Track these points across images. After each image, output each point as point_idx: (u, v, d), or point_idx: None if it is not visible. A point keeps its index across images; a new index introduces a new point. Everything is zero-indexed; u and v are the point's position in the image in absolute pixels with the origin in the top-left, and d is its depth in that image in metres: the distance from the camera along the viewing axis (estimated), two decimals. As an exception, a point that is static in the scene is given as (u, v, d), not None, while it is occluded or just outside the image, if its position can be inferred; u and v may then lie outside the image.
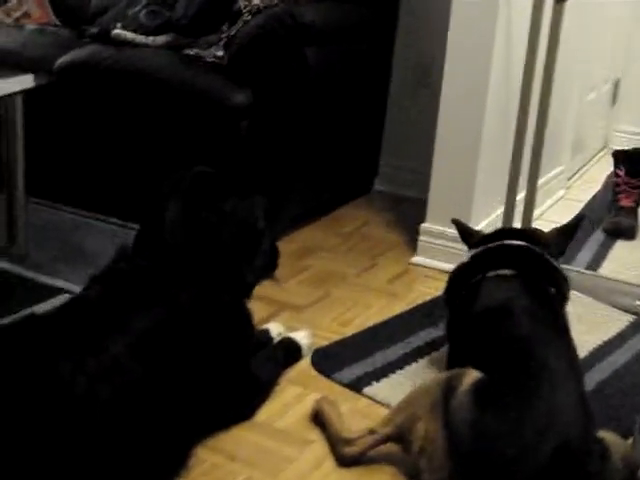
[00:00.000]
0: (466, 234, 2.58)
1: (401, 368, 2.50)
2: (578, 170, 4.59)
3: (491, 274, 2.36)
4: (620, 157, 3.93)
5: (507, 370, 2.04)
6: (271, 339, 2.53)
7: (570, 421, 1.91)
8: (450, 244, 3.18)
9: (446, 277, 3.09)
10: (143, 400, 1.88)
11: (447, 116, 3.17)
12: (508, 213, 3.23)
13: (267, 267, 2.34)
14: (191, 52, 3.37)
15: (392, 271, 3.19)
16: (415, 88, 3.94)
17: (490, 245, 2.45)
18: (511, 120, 3.21)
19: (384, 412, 2.26)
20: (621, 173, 3.86)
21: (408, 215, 3.69)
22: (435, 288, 3.04)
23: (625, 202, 3.80)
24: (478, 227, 3.22)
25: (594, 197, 4.24)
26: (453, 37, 3.13)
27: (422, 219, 3.30)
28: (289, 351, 2.49)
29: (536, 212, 3.35)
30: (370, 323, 2.77)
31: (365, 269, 3.19)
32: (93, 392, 1.79)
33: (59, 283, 2.83)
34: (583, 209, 4.03)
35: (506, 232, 2.56)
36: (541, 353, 2.07)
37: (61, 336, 1.88)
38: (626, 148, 4.03)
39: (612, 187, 3.95)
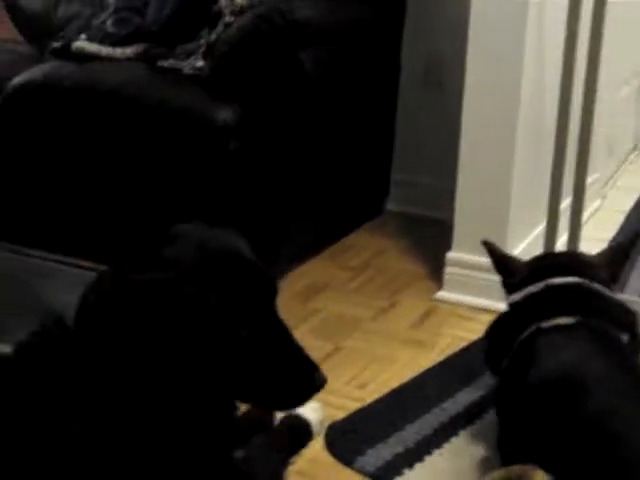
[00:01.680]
0: (502, 265, 2.02)
1: (439, 446, 1.94)
2: (612, 176, 4.04)
3: (545, 325, 1.82)
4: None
5: (589, 468, 1.50)
6: (271, 420, 1.98)
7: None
8: (483, 275, 2.63)
9: (480, 316, 2.58)
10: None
11: (471, 123, 2.62)
12: (551, 231, 2.68)
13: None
14: (166, 64, 2.81)
15: (415, 312, 2.63)
16: (426, 92, 3.40)
17: (534, 289, 1.91)
18: (547, 124, 2.68)
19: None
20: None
21: (428, 240, 3.14)
22: (468, 330, 2.49)
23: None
24: (516, 251, 2.67)
25: (636, 206, 3.70)
26: (474, 34, 2.59)
27: (446, 245, 2.75)
28: (295, 432, 1.91)
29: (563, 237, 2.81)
30: (394, 383, 2.20)
31: (382, 311, 2.63)
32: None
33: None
34: (626, 221, 3.49)
35: (548, 266, 1.98)
36: (632, 440, 1.53)
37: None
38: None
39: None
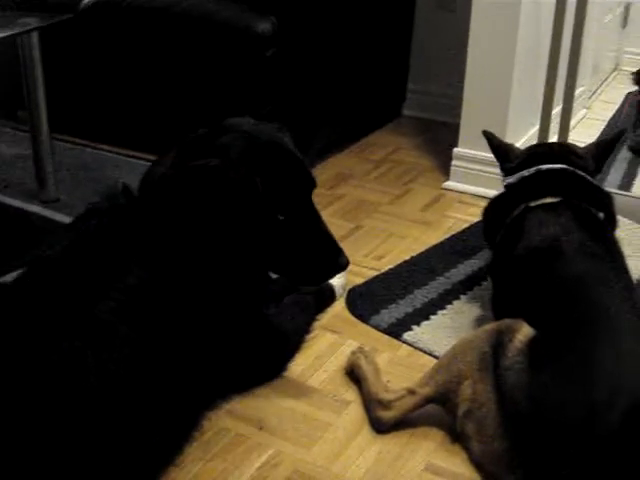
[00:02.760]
0: (500, 150, 1.92)
1: (442, 307, 1.89)
2: (595, 90, 3.88)
3: (533, 204, 1.73)
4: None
5: (564, 322, 1.43)
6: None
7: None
8: (484, 168, 2.54)
9: (480, 202, 2.49)
10: (140, 362, 1.29)
11: (478, 36, 2.47)
12: (543, 133, 2.57)
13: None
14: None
15: (425, 198, 2.54)
16: (439, 13, 3.23)
17: (526, 173, 1.81)
18: (542, 42, 2.54)
19: (426, 362, 1.67)
20: (646, 92, 3.16)
21: (439, 139, 3.04)
22: (470, 214, 2.41)
23: (651, 120, 3.11)
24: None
25: (614, 116, 3.52)
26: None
27: (453, 143, 2.64)
28: (321, 293, 1.87)
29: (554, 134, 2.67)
30: (406, 256, 2.14)
31: (397, 197, 2.55)
32: (86, 358, 1.22)
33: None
34: (606, 128, 3.35)
35: (541, 154, 1.85)
36: (601, 298, 1.46)
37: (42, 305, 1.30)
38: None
39: (636, 106, 3.24)
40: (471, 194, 2.55)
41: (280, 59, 2.49)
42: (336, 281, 1.91)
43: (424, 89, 3.30)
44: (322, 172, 2.68)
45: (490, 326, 1.50)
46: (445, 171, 2.69)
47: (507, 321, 1.48)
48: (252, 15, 2.47)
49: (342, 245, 2.18)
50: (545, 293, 1.53)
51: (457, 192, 2.58)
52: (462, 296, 1.94)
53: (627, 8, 4.31)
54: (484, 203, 2.47)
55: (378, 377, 1.58)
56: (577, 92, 3.29)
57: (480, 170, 2.54)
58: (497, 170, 2.47)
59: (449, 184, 2.62)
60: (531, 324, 1.44)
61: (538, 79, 2.59)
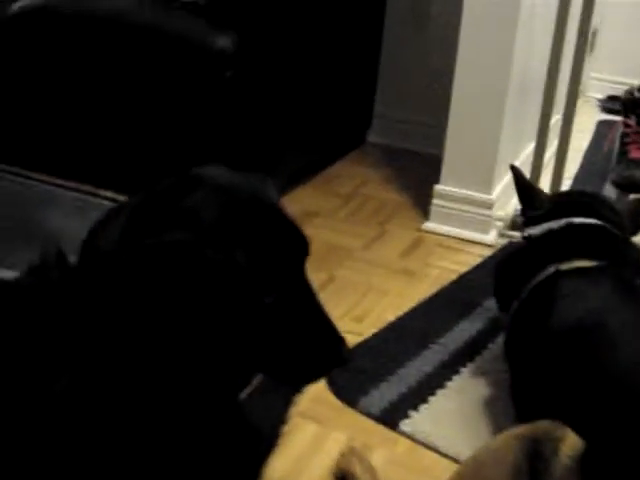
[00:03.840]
0: (525, 193, 1.62)
1: (441, 385, 1.56)
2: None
3: (565, 268, 1.43)
4: (630, 106, 2.98)
5: (622, 435, 1.14)
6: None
7: None
8: (471, 209, 2.24)
9: (467, 247, 2.21)
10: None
11: (466, 58, 2.18)
12: (538, 159, 2.30)
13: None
14: (163, -10, 2.34)
15: (403, 242, 2.22)
16: (410, 29, 2.93)
17: (554, 225, 1.52)
18: (536, 59, 2.28)
19: (431, 461, 1.36)
20: (631, 123, 2.91)
21: (409, 170, 2.74)
22: (457, 262, 2.11)
23: (636, 154, 2.84)
24: (501, 184, 2.29)
25: (590, 147, 3.28)
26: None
27: (425, 175, 2.35)
28: (298, 370, 1.55)
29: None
30: (390, 316, 1.81)
31: (372, 240, 2.23)
32: None
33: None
34: (583, 160, 3.11)
35: (571, 204, 1.57)
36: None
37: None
38: (637, 96, 3.07)
39: (619, 138, 3.00)
40: (455, 238, 2.25)
41: (239, 81, 2.16)
42: (314, 352, 1.58)
43: (392, 114, 3.00)
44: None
45: (520, 430, 1.18)
46: (422, 209, 2.38)
47: (544, 425, 1.16)
48: (210, 29, 2.13)
49: (315, 302, 1.89)
50: (587, 385, 1.22)
51: (439, 235, 2.27)
52: (462, 369, 1.63)
53: (594, 34, 4.13)
54: (472, 248, 2.21)
55: (378, 490, 1.25)
56: (552, 121, 3.05)
57: (465, 211, 2.24)
58: (486, 211, 2.20)
59: (429, 225, 2.31)
60: (570, 425, 1.14)
61: (528, 105, 2.33)
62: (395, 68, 2.94)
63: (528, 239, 1.54)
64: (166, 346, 1.03)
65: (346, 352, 1.18)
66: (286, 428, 1.40)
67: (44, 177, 2.40)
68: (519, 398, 1.38)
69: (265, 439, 1.34)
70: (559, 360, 1.29)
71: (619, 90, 3.54)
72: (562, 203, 1.57)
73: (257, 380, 1.45)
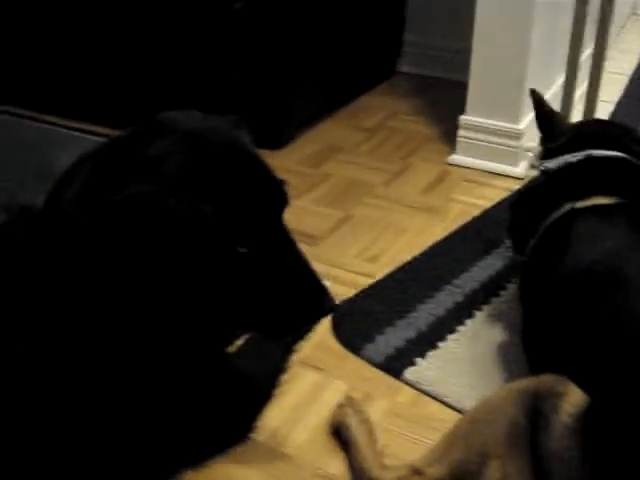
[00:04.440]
0: (544, 121, 1.49)
1: (453, 330, 1.48)
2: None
3: (581, 206, 1.32)
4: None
5: (630, 388, 1.04)
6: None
7: None
8: (497, 140, 2.12)
9: (492, 181, 2.09)
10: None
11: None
12: (570, 84, 2.12)
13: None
14: None
15: (427, 176, 2.12)
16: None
17: (572, 158, 1.39)
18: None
19: (434, 411, 1.28)
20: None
21: (440, 101, 2.61)
22: (480, 197, 2.00)
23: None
24: (529, 117, 2.15)
25: (637, 70, 3.09)
26: None
27: (458, 107, 2.21)
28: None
29: (578, 92, 2.20)
30: (405, 256, 1.73)
31: (394, 175, 2.13)
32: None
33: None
34: (629, 84, 2.91)
35: (593, 135, 1.42)
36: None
37: None
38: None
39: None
40: (481, 170, 2.13)
41: (250, 12, 2.05)
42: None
43: (423, 41, 2.85)
44: (305, 146, 2.26)
45: (522, 384, 1.09)
46: (450, 141, 2.26)
47: (547, 380, 1.07)
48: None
49: (328, 242, 1.81)
50: (602, 333, 1.12)
51: (464, 168, 2.15)
52: (477, 313, 1.54)
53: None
54: (498, 182, 2.09)
55: (372, 444, 1.19)
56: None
57: (492, 142, 2.12)
58: (514, 143, 2.08)
59: (455, 158, 2.19)
60: (578, 377, 1.05)
61: (560, 29, 2.16)
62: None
63: (545, 173, 1.41)
64: (134, 298, 0.97)
65: (328, 302, 1.11)
66: (285, 377, 1.35)
67: (63, 121, 2.37)
68: (530, 344, 1.29)
69: (258, 389, 1.29)
70: (571, 305, 1.18)
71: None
72: (583, 133, 1.44)
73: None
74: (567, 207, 1.31)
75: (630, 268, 1.15)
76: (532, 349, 1.27)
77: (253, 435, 1.23)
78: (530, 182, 1.51)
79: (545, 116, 1.51)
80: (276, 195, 1.05)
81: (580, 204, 1.30)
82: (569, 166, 1.38)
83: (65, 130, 2.34)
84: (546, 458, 0.99)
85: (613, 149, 1.37)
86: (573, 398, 1.02)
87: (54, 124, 2.36)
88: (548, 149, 1.45)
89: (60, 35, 2.31)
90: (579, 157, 1.37)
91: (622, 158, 1.35)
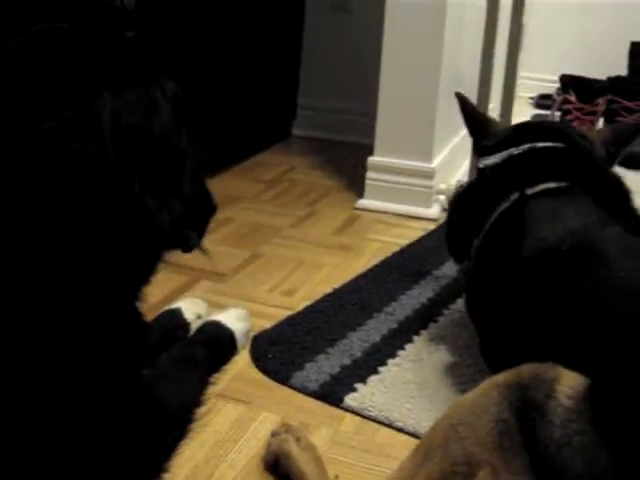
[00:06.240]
0: (475, 122, 1.36)
1: (392, 355, 1.27)
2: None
3: (532, 192, 1.16)
4: (568, 82, 2.78)
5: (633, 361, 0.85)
6: (186, 326, 1.27)
7: None
8: (409, 180, 1.98)
9: (408, 222, 1.94)
10: None
11: (394, 30, 1.93)
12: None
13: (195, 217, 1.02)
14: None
15: (336, 220, 1.93)
16: (332, 16, 2.68)
17: (515, 151, 1.26)
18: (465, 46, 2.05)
19: (388, 438, 1.05)
20: (572, 99, 2.71)
21: (339, 157, 2.47)
22: (397, 236, 1.83)
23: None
24: (440, 157, 2.04)
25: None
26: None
27: (357, 164, 2.07)
28: (217, 344, 1.21)
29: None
30: (326, 288, 1.51)
31: (301, 219, 1.93)
32: None
33: None
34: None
35: (534, 130, 1.29)
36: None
37: None
38: (573, 73, 2.87)
39: (560, 116, 2.81)
40: (394, 213, 1.97)
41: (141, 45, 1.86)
42: (236, 325, 1.27)
43: (317, 104, 2.74)
44: (202, 192, 2.04)
45: (501, 378, 0.88)
46: (356, 190, 2.10)
47: (529, 368, 0.87)
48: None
49: (237, 277, 1.57)
50: (587, 313, 0.93)
51: (376, 212, 1.99)
52: (415, 337, 1.33)
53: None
54: (413, 223, 1.94)
55: (322, 472, 0.94)
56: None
57: (403, 183, 1.97)
58: (426, 182, 1.95)
59: (364, 202, 2.02)
60: (565, 357, 0.86)
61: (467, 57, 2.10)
62: (317, 57, 2.69)
63: (484, 170, 1.26)
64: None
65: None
66: (201, 411, 1.09)
67: None
68: (493, 354, 1.09)
69: (174, 418, 1.03)
70: (540, 290, 1.00)
71: (550, 89, 3.37)
72: (522, 130, 1.31)
73: (167, 355, 1.15)
74: (516, 195, 1.15)
75: (602, 241, 1.00)
76: (496, 357, 1.07)
77: (167, 476, 0.96)
78: (464, 186, 1.36)
79: (474, 116, 1.38)
80: None
81: (530, 190, 1.15)
82: (512, 158, 1.24)
83: None
84: (551, 451, 0.78)
85: (555, 141, 1.25)
86: (567, 380, 0.82)
87: None
88: (484, 147, 1.31)
89: None
90: (522, 149, 1.24)
91: (565, 148, 1.23)
